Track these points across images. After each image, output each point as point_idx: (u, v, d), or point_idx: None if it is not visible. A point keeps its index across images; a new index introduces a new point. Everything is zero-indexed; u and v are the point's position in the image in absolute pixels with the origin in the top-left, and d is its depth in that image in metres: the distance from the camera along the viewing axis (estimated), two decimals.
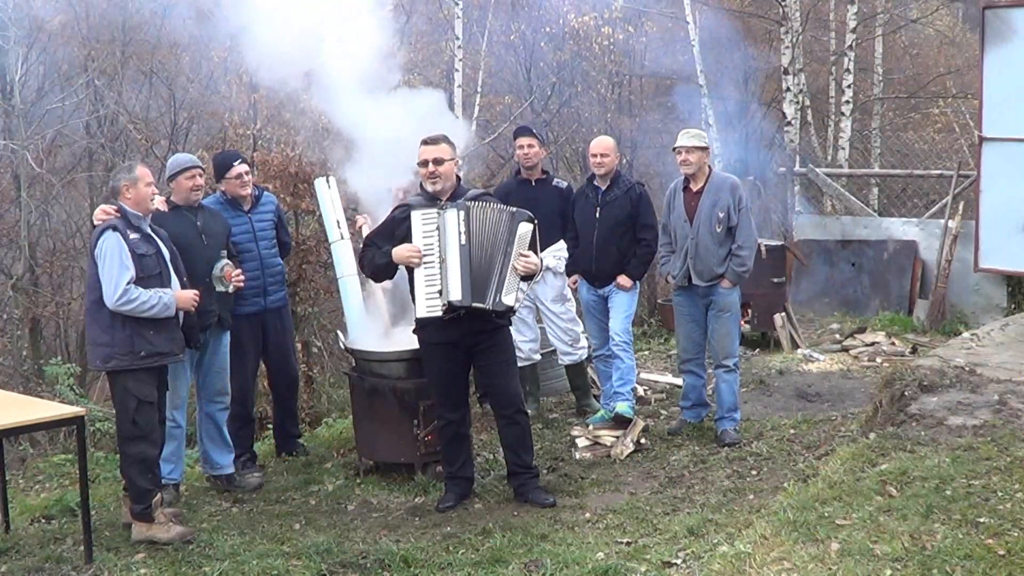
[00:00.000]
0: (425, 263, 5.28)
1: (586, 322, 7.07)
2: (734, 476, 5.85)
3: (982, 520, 4.16)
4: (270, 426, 7.08)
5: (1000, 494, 4.39)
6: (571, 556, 4.66)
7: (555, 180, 7.08)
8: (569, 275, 6.98)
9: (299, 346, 7.99)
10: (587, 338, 7.16)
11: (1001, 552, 3.87)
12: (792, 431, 6.68)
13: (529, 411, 5.97)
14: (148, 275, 5.03)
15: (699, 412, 6.85)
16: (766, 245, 9.22)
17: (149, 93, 12.73)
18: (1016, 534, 4.01)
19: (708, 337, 6.61)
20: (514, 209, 5.38)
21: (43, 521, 5.65)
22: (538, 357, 7.30)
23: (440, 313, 5.26)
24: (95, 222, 5.26)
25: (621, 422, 6.60)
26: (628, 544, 4.83)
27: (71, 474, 6.92)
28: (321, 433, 7.48)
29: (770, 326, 9.32)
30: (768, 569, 3.99)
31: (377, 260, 5.41)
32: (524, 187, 6.93)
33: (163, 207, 5.58)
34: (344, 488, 6.02)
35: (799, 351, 9.08)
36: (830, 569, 3.91)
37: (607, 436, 6.53)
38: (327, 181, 6.70)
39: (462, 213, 5.27)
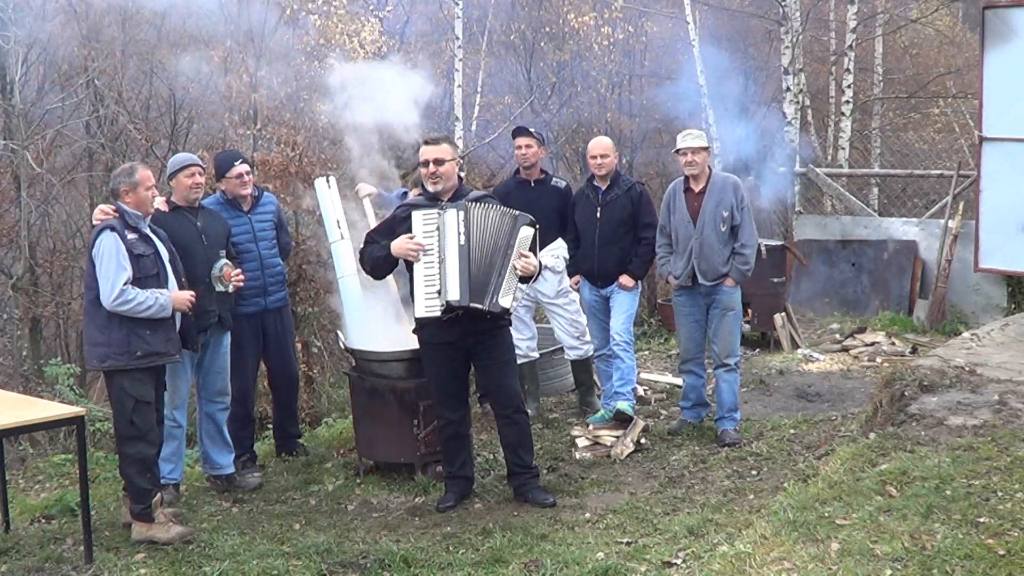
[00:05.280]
0: (425, 262, 5.29)
1: (588, 322, 7.08)
2: (734, 476, 5.85)
3: (982, 520, 4.16)
4: (270, 426, 7.08)
5: (1000, 494, 4.39)
6: (571, 556, 4.66)
7: (554, 180, 7.08)
8: (571, 276, 6.98)
9: (299, 346, 7.99)
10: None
11: (1001, 552, 3.87)
12: (792, 431, 6.68)
13: (529, 411, 5.98)
14: (145, 275, 5.03)
15: (699, 412, 6.85)
16: (766, 245, 9.22)
17: (149, 93, 12.73)
18: (1016, 534, 4.01)
19: (709, 337, 6.61)
20: (517, 212, 5.40)
21: (43, 521, 5.65)
22: (536, 355, 7.31)
23: (439, 313, 5.27)
24: (94, 222, 5.26)
25: (622, 422, 6.60)
26: (628, 544, 4.84)
27: (71, 474, 6.93)
28: (321, 433, 7.48)
29: (770, 326, 9.32)
30: (768, 569, 4.00)
31: (376, 253, 5.43)
32: (523, 187, 6.94)
33: (164, 207, 5.59)
34: (344, 488, 6.02)
35: (799, 351, 9.08)
36: (830, 569, 3.92)
37: (607, 436, 6.54)
38: (327, 181, 6.70)
39: (461, 214, 5.28)
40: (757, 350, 9.23)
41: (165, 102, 12.37)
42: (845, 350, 9.12)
